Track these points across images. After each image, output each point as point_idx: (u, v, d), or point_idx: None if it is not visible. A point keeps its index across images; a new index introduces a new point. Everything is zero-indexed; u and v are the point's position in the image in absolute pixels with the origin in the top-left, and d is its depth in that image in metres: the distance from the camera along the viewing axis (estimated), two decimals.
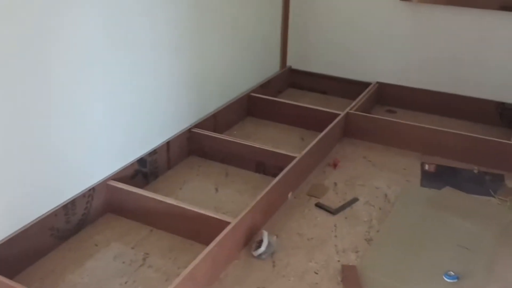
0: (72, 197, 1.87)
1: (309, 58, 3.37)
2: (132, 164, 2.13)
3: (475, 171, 2.42)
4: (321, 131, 2.53)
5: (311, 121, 2.81)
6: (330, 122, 2.60)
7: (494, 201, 2.20)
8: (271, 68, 3.30)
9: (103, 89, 1.91)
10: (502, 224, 2.02)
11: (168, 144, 2.33)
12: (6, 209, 1.63)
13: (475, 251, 1.87)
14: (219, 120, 2.69)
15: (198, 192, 2.23)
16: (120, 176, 2.07)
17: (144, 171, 2.20)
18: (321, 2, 3.19)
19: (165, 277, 1.72)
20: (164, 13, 2.14)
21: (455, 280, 1.72)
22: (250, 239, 1.90)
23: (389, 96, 3.16)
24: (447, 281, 1.72)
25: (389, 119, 2.74)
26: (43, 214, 1.76)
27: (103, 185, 2.00)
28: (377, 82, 3.17)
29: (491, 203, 2.19)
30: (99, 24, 1.81)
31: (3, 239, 1.63)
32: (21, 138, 1.63)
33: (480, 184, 2.32)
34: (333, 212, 2.12)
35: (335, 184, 2.33)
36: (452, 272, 1.74)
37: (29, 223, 1.71)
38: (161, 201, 1.93)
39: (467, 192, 2.25)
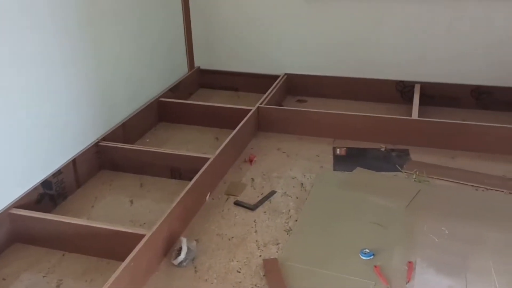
0: None
1: (217, 57, 3.36)
2: (35, 188, 2.01)
3: (382, 149, 2.53)
4: (234, 128, 2.52)
5: (224, 120, 2.80)
6: (243, 119, 2.61)
7: (401, 175, 2.31)
8: (179, 70, 3.25)
9: None
10: (410, 196, 2.13)
11: (74, 161, 2.22)
12: None
13: (388, 226, 1.96)
14: (129, 129, 2.61)
15: (112, 208, 2.14)
16: (23, 203, 1.94)
17: (50, 193, 2.08)
18: (220, 1, 3.19)
19: None
20: (53, 25, 2.03)
21: (371, 257, 1.79)
22: (170, 248, 1.86)
23: (298, 86, 3.22)
24: (363, 259, 1.78)
25: (299, 109, 2.81)
26: None
27: (5, 214, 1.87)
28: (285, 74, 3.23)
29: (399, 177, 2.30)
30: None
31: None
32: None
33: (388, 160, 2.43)
34: (252, 208, 2.12)
35: (252, 179, 2.34)
36: (367, 250, 1.81)
37: None
38: (71, 223, 1.84)
39: (376, 170, 2.35)
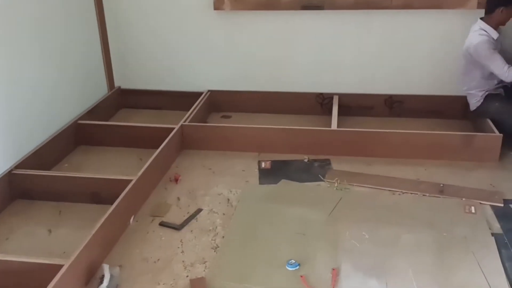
0: None
1: (138, 77, 3.31)
2: None
3: (306, 160, 2.60)
4: (158, 148, 2.48)
5: (147, 139, 2.74)
6: (166, 138, 2.57)
7: (324, 184, 2.38)
8: (99, 91, 3.16)
9: None
10: (332, 204, 2.19)
11: None
12: None
13: (312, 236, 2.00)
14: (45, 155, 2.49)
15: (28, 239, 2.03)
16: None
17: None
18: (137, 21, 3.15)
19: None
20: None
21: (297, 268, 1.81)
22: (91, 277, 1.78)
23: (221, 102, 3.24)
24: (290, 270, 1.81)
25: (222, 125, 2.82)
26: None
27: None
28: (209, 91, 3.23)
29: (322, 187, 2.37)
30: None
31: None
32: None
33: (311, 171, 2.50)
34: (178, 228, 2.09)
35: (178, 198, 2.31)
36: (293, 261, 1.83)
37: None
38: None
39: (300, 181, 2.41)
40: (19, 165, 2.30)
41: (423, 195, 2.25)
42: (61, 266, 1.65)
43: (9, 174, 2.24)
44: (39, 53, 2.49)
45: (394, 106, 3.08)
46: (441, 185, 2.28)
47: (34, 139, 2.46)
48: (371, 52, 3.01)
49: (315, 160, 2.60)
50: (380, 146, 2.58)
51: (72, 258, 1.68)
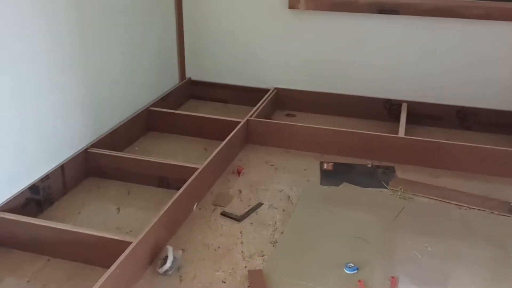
0: None
1: (208, 69, 3.40)
2: (22, 193, 2.00)
3: (369, 165, 2.57)
4: (223, 140, 2.55)
5: (213, 131, 2.82)
6: (232, 131, 2.63)
7: (387, 192, 2.35)
8: (171, 81, 3.27)
9: None
10: (395, 212, 2.16)
11: (62, 167, 2.22)
12: None
13: (371, 241, 1.98)
14: (118, 137, 2.61)
15: (98, 215, 2.14)
16: (9, 207, 1.93)
17: (37, 198, 2.08)
18: (214, 14, 3.23)
19: None
20: (42, 31, 2.04)
21: (355, 271, 1.81)
22: (155, 257, 1.86)
23: (287, 100, 3.26)
24: (347, 273, 1.81)
25: (287, 123, 2.84)
26: None
27: None
28: (275, 88, 3.27)
29: (384, 194, 2.34)
30: None
31: None
32: None
33: (374, 177, 2.47)
34: (238, 219, 2.14)
35: (240, 191, 2.36)
36: (351, 264, 1.83)
37: None
38: (57, 229, 1.83)
39: (362, 186, 2.39)
40: (95, 144, 2.43)
41: (491, 212, 2.17)
42: (129, 243, 1.73)
43: (85, 152, 2.38)
44: (122, 42, 2.62)
45: (466, 118, 2.98)
46: (511, 204, 2.19)
47: (110, 121, 2.59)
48: (444, 61, 2.93)
49: (378, 166, 2.57)
50: (448, 158, 2.51)
51: (140, 236, 1.77)
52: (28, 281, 1.75)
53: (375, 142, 2.62)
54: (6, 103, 1.90)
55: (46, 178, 2.12)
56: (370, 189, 2.37)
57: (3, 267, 1.81)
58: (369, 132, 2.67)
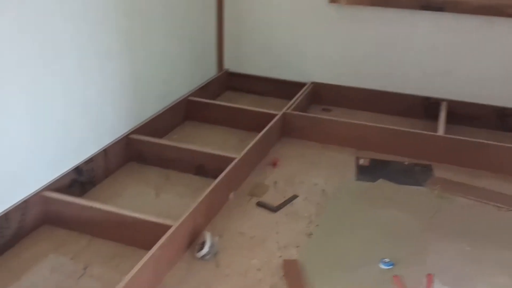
0: (5, 210, 1.80)
1: (245, 61, 3.42)
2: (68, 174, 2.08)
3: (406, 163, 2.56)
4: (259, 132, 2.57)
5: (249, 123, 2.85)
6: (268, 123, 2.65)
7: (424, 190, 2.33)
8: (209, 72, 3.32)
9: (29, 97, 1.85)
10: (431, 211, 2.15)
11: (105, 151, 2.29)
12: None
13: (408, 239, 1.98)
14: (157, 125, 2.67)
15: (138, 199, 2.20)
16: (55, 187, 2.01)
17: (80, 180, 2.15)
18: (254, 6, 3.25)
19: (107, 285, 1.69)
20: (89, 17, 2.10)
21: (391, 267, 1.81)
22: (193, 241, 1.91)
23: (324, 95, 3.26)
24: (383, 268, 1.81)
25: (324, 117, 2.84)
26: None
27: (38, 196, 1.94)
28: (312, 82, 3.27)
29: (421, 192, 2.32)
30: (15, 30, 1.75)
31: None
32: None
33: (410, 175, 2.45)
34: (274, 209, 2.16)
35: (275, 182, 2.38)
36: (387, 259, 1.83)
37: None
38: (100, 209, 1.90)
39: (398, 183, 2.38)
40: (135, 131, 2.50)
41: None
42: (169, 227, 1.78)
43: (126, 138, 2.44)
44: (164, 31, 2.67)
45: (506, 119, 2.92)
46: None
47: (151, 109, 2.65)
48: (487, 61, 2.87)
49: (416, 164, 2.55)
50: (488, 159, 2.47)
51: (180, 221, 1.82)
52: (71, 259, 1.82)
53: (413, 140, 2.60)
54: (57, 88, 1.97)
55: (90, 161, 2.19)
56: (406, 186, 2.35)
57: (48, 244, 1.89)
58: (407, 129, 2.64)
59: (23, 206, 1.87)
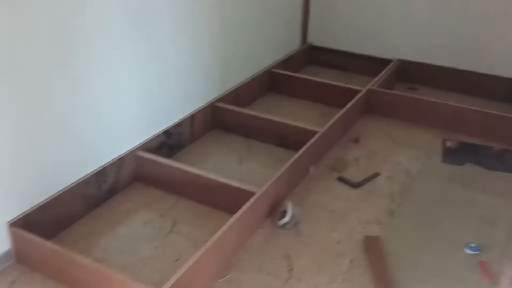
0: (103, 165, 1.93)
1: (329, 35, 3.37)
2: (158, 136, 2.18)
3: (496, 148, 2.43)
4: (341, 107, 2.54)
5: (331, 98, 2.82)
6: (351, 99, 2.62)
7: None
8: (292, 45, 3.30)
9: (131, 62, 1.95)
10: None
11: (192, 117, 2.37)
12: (40, 175, 1.69)
13: (494, 226, 1.90)
14: (241, 94, 2.72)
15: (221, 165, 2.27)
16: (147, 147, 2.12)
17: (169, 143, 2.25)
18: None
19: (193, 243, 1.78)
20: None
21: (477, 252, 1.75)
22: (274, 210, 1.95)
23: (410, 73, 3.15)
24: (468, 253, 1.75)
25: (411, 95, 2.75)
26: (75, 181, 1.82)
27: (132, 155, 2.05)
28: (399, 59, 3.16)
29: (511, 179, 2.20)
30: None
31: (37, 204, 1.70)
32: (53, 106, 1.68)
33: (501, 161, 2.33)
34: (355, 185, 2.15)
35: (357, 159, 2.36)
36: (473, 244, 1.77)
37: (62, 190, 1.77)
38: (187, 171, 1.98)
39: (488, 168, 2.27)
40: (220, 99, 2.56)
41: None
42: (253, 193, 1.83)
43: (212, 105, 2.51)
44: (251, 3, 2.68)
45: None
46: None
47: (235, 79, 2.70)
48: None
49: (506, 150, 2.41)
50: None
51: (263, 188, 1.86)
52: (160, 216, 1.93)
53: (505, 124, 2.46)
54: (153, 56, 2.05)
55: (178, 125, 2.28)
56: (497, 172, 2.24)
57: (140, 201, 2.01)
58: (498, 113, 2.50)
59: (119, 163, 1.99)
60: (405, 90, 3.07)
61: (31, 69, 1.56)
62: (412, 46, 3.12)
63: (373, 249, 1.76)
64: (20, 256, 1.65)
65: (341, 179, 2.19)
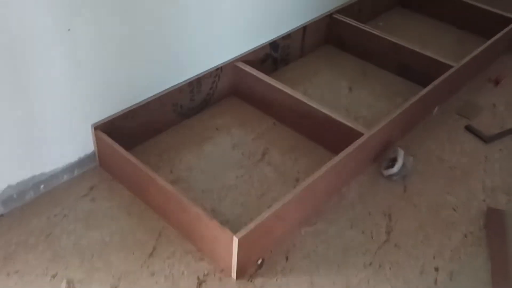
0: (199, 74, 1.74)
1: None
2: (263, 47, 1.93)
3: None
4: (485, 37, 2.10)
5: (474, 23, 2.33)
6: (498, 28, 2.12)
7: None
8: None
9: None
10: None
11: (304, 29, 2.06)
12: (128, 80, 1.54)
13: None
14: (364, 7, 2.33)
15: (329, 88, 1.99)
16: (249, 59, 1.88)
17: (274, 56, 2.00)
18: None
19: (283, 178, 1.59)
20: None
21: None
22: (381, 155, 1.67)
23: None
24: None
25: None
26: (167, 89, 1.66)
27: (231, 66, 1.84)
28: None
29: None
30: None
31: (123, 110, 1.57)
32: (147, 14, 1.47)
33: None
34: (486, 139, 1.78)
35: (494, 105, 1.94)
36: None
37: (151, 97, 1.63)
38: (289, 94, 1.73)
39: None
40: (339, 11, 2.20)
41: None
42: (361, 134, 1.56)
43: (329, 17, 2.16)
44: None
45: None
46: None
47: None
48: None
49: None
50: None
51: (374, 130, 1.58)
52: (252, 139, 1.74)
53: None
54: None
55: (287, 36, 2.00)
56: None
57: (233, 118, 1.82)
58: None
59: (216, 73, 1.80)
60: None
61: None
62: None
63: (494, 225, 1.45)
64: (103, 161, 1.58)
65: (470, 129, 1.82)
